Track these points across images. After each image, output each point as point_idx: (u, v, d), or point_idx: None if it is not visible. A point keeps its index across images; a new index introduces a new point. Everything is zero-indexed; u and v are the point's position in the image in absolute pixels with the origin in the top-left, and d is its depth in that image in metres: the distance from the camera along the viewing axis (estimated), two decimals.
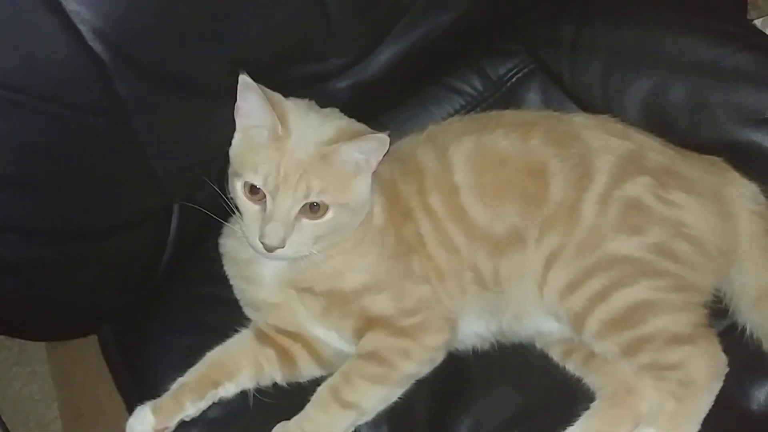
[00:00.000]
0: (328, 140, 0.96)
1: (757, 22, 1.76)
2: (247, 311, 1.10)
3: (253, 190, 0.95)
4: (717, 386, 0.99)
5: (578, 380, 1.07)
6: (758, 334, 1.03)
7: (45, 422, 1.71)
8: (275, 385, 1.07)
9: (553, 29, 1.27)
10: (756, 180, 1.08)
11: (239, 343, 1.07)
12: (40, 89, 0.79)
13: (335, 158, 0.96)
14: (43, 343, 1.77)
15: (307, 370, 1.08)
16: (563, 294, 1.01)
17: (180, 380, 1.04)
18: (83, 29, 0.80)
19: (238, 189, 0.96)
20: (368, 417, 1.03)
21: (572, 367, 1.08)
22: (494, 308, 1.07)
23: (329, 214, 0.96)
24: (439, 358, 1.04)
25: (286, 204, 0.94)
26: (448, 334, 1.04)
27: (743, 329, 1.04)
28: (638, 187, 1.02)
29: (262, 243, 0.94)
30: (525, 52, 1.29)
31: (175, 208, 1.09)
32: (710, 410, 1.01)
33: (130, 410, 1.14)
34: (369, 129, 1.00)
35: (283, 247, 0.94)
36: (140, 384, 1.11)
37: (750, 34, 1.19)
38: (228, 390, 1.04)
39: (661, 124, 1.15)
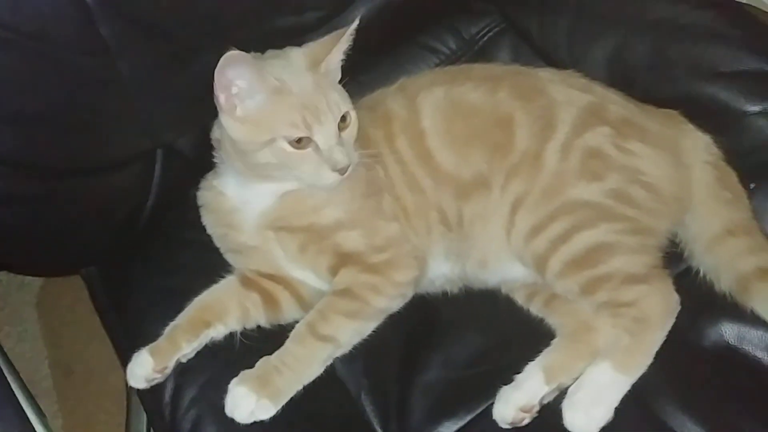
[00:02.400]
0: (313, 62, 1.03)
1: None
2: (230, 258, 1.14)
3: (297, 141, 1.00)
4: (669, 323, 1.05)
5: (540, 321, 1.12)
6: (711, 276, 1.08)
7: (36, 380, 1.72)
8: (259, 327, 1.12)
9: None
10: (711, 131, 1.13)
11: (226, 288, 1.12)
12: (26, 27, 0.83)
13: (329, 69, 1.04)
14: (34, 303, 1.80)
15: (290, 313, 1.13)
16: (528, 237, 1.06)
17: (172, 323, 1.08)
18: None
19: (280, 152, 1.01)
20: (344, 350, 1.08)
21: (535, 309, 1.13)
22: (460, 252, 1.12)
23: (352, 116, 1.05)
24: (409, 293, 1.10)
25: (332, 128, 1.01)
26: (416, 272, 1.09)
27: (697, 272, 1.09)
28: (598, 137, 1.07)
29: (337, 172, 1.01)
30: (496, 11, 1.34)
31: (159, 153, 1.13)
32: (665, 347, 1.07)
33: (118, 349, 1.20)
34: (335, 34, 1.06)
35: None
36: (126, 322, 1.16)
37: None
38: (218, 331, 1.09)
39: (623, 80, 1.19)
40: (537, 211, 1.06)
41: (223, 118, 1.02)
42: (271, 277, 1.12)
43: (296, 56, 1.05)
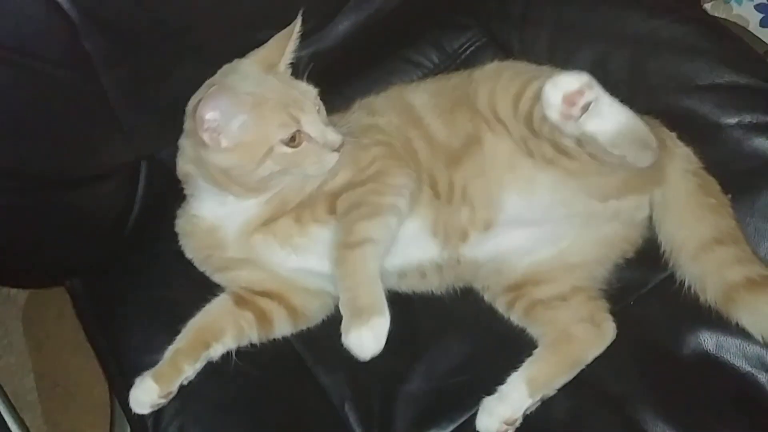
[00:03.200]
0: (268, 65, 1.08)
1: (707, 6, 1.84)
2: (218, 278, 1.14)
3: (290, 141, 1.03)
4: None
5: (523, 330, 1.13)
6: (696, 286, 1.08)
7: (21, 393, 1.72)
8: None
9: (504, 5, 1.33)
10: (690, 142, 1.15)
11: (220, 308, 1.13)
12: (10, 41, 0.84)
13: (285, 68, 1.11)
14: (19, 317, 1.80)
15: (281, 329, 1.14)
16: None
17: (172, 347, 1.08)
18: None
19: (281, 158, 1.04)
20: (384, 246, 1.05)
21: (515, 317, 1.13)
22: (448, 227, 1.11)
23: (318, 99, 1.10)
24: (409, 193, 1.08)
25: (314, 114, 1.06)
26: (410, 176, 1.09)
27: (680, 282, 1.09)
28: None
29: (336, 151, 1.06)
30: (478, 26, 1.35)
31: (143, 165, 1.14)
32: (645, 354, 1.10)
33: (102, 362, 1.20)
34: (281, 35, 1.11)
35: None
36: (110, 335, 1.16)
37: (684, 7, 1.26)
38: (217, 351, 1.10)
39: None
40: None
41: (210, 155, 1.03)
42: (264, 293, 1.13)
43: (248, 66, 1.09)
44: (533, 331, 1.12)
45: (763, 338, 1.03)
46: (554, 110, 0.98)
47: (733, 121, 1.17)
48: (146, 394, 1.05)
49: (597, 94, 0.98)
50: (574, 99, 0.97)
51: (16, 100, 0.87)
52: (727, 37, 1.25)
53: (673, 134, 1.14)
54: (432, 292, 1.16)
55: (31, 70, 0.87)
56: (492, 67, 1.17)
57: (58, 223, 1.00)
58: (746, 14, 1.83)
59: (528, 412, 1.06)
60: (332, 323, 1.13)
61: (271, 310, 1.13)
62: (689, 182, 1.11)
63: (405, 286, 1.15)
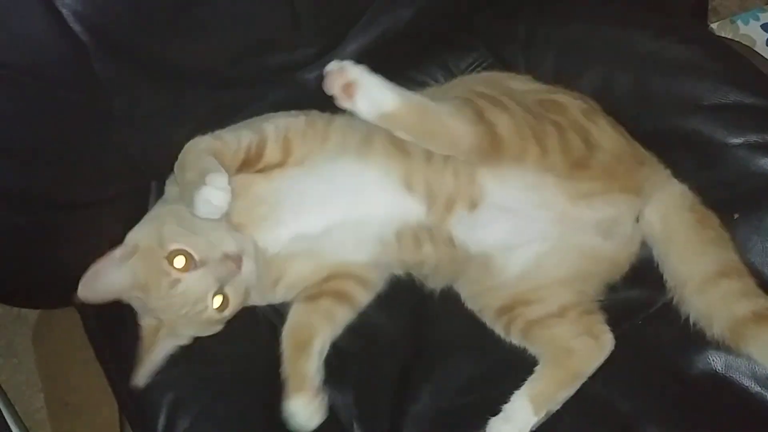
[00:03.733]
0: None
1: (714, 26, 1.85)
2: (281, 296, 1.17)
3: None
4: None
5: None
6: (703, 321, 1.06)
7: (30, 412, 1.73)
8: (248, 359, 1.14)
9: (509, 26, 1.34)
10: (695, 163, 1.16)
11: (298, 315, 1.15)
12: (22, 64, 0.86)
13: None
14: (29, 335, 1.81)
15: (361, 297, 1.17)
16: None
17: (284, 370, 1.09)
18: (65, 12, 0.87)
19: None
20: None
21: (515, 339, 1.13)
22: (431, 185, 1.11)
23: None
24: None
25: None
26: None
27: None
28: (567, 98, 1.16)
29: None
30: (483, 47, 1.36)
31: (153, 185, 1.15)
32: (653, 374, 1.09)
33: (114, 387, 1.21)
34: None
35: None
36: (119, 353, 1.17)
37: (688, 27, 1.27)
38: (320, 344, 1.12)
39: (609, 113, 1.20)
40: None
41: None
42: (327, 279, 1.15)
43: None
44: (533, 350, 1.12)
45: None
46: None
47: (738, 140, 1.17)
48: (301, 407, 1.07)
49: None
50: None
51: (28, 123, 0.89)
52: (732, 57, 1.25)
53: (668, 171, 1.14)
54: (433, 279, 1.17)
55: (43, 93, 0.88)
56: None
57: (65, 242, 1.01)
58: (753, 34, 1.84)
59: (533, 429, 1.05)
60: (338, 343, 1.15)
61: (340, 285, 1.15)
62: (687, 219, 1.11)
63: (406, 257, 1.14)
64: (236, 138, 1.09)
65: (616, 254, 1.13)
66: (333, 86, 1.00)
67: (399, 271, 1.19)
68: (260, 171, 1.11)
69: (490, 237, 1.12)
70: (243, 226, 1.10)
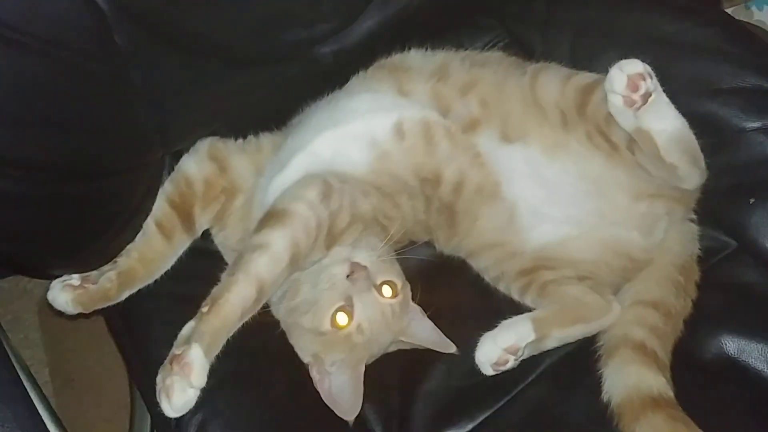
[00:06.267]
0: None
1: (728, 12, 1.84)
2: None
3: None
4: None
5: None
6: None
7: None
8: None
9: (527, 6, 1.34)
10: (711, 147, 1.15)
11: None
12: (43, 33, 0.84)
13: None
14: (35, 310, 1.81)
15: None
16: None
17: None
18: None
19: None
20: None
21: (530, 300, 1.15)
22: (442, 98, 1.14)
23: None
24: None
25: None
26: None
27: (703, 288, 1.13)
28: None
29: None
30: (500, 27, 1.36)
31: (167, 159, 1.15)
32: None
33: (127, 360, 1.20)
34: None
35: None
36: (132, 330, 1.17)
37: (708, 10, 1.26)
38: None
39: None
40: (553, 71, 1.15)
41: None
42: None
43: None
44: (547, 305, 1.13)
45: None
46: (617, 95, 1.00)
47: (756, 125, 1.17)
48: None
49: (657, 86, 1.01)
50: (637, 83, 0.99)
51: (49, 92, 0.88)
52: (751, 41, 1.25)
53: None
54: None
55: (64, 63, 0.88)
56: None
57: (79, 212, 1.00)
58: (767, 19, 1.83)
59: (527, 355, 1.07)
60: None
61: None
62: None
63: (419, 160, 1.12)
64: None
65: (641, 254, 1.14)
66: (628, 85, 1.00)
67: (418, 194, 1.15)
68: None
69: (521, 184, 1.13)
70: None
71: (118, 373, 1.56)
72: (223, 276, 1.01)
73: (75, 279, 1.09)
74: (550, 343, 1.09)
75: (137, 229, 1.12)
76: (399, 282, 1.09)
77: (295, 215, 1.02)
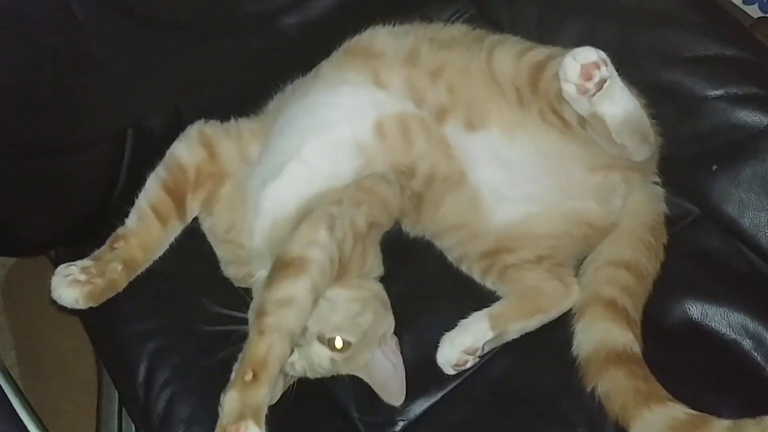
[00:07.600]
0: None
1: None
2: None
3: None
4: None
5: None
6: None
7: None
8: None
9: None
10: (674, 114, 1.17)
11: None
12: (6, 8, 0.83)
13: None
14: None
15: None
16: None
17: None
18: None
19: None
20: None
21: (490, 282, 1.17)
22: (416, 86, 1.13)
23: None
24: None
25: None
26: None
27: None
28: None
29: None
30: None
31: (129, 132, 1.13)
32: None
33: (93, 340, 1.19)
34: None
35: None
36: (99, 308, 1.15)
37: None
38: None
39: None
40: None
41: None
42: None
43: None
44: (506, 290, 1.15)
45: None
46: (570, 84, 1.00)
47: (718, 93, 1.18)
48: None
49: (612, 72, 1.01)
50: (591, 71, 0.99)
51: (6, 68, 0.86)
52: (713, 9, 1.25)
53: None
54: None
55: (21, 37, 0.86)
56: None
57: (43, 189, 0.99)
58: None
59: (487, 350, 1.09)
60: None
61: None
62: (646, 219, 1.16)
63: (397, 158, 1.13)
64: None
65: (601, 221, 1.15)
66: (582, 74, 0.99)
67: (394, 184, 1.15)
68: None
69: (484, 171, 1.13)
70: None
71: (85, 354, 1.54)
72: (252, 335, 0.99)
73: (77, 272, 1.06)
74: (511, 336, 1.11)
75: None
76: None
77: (312, 262, 1.03)
